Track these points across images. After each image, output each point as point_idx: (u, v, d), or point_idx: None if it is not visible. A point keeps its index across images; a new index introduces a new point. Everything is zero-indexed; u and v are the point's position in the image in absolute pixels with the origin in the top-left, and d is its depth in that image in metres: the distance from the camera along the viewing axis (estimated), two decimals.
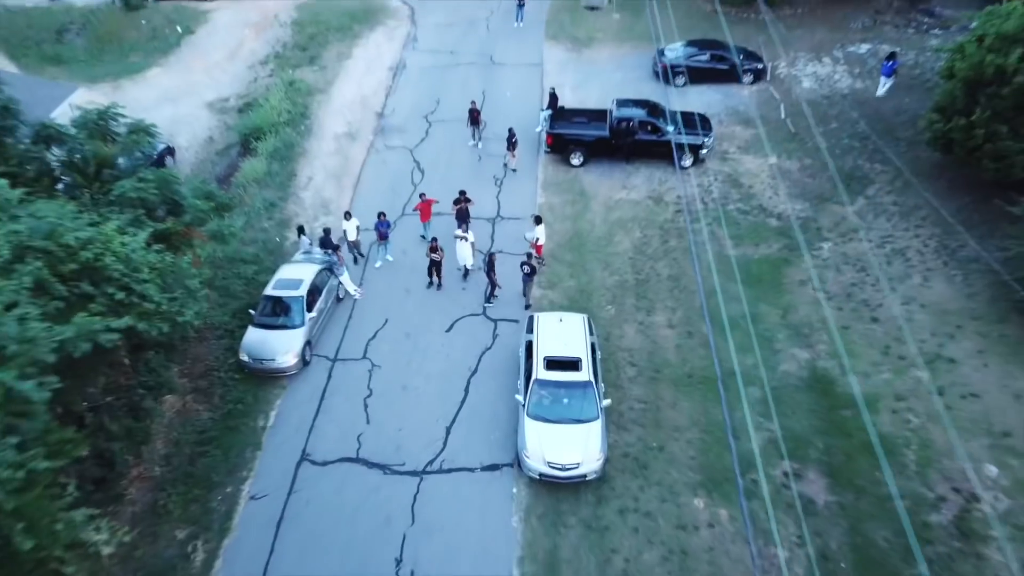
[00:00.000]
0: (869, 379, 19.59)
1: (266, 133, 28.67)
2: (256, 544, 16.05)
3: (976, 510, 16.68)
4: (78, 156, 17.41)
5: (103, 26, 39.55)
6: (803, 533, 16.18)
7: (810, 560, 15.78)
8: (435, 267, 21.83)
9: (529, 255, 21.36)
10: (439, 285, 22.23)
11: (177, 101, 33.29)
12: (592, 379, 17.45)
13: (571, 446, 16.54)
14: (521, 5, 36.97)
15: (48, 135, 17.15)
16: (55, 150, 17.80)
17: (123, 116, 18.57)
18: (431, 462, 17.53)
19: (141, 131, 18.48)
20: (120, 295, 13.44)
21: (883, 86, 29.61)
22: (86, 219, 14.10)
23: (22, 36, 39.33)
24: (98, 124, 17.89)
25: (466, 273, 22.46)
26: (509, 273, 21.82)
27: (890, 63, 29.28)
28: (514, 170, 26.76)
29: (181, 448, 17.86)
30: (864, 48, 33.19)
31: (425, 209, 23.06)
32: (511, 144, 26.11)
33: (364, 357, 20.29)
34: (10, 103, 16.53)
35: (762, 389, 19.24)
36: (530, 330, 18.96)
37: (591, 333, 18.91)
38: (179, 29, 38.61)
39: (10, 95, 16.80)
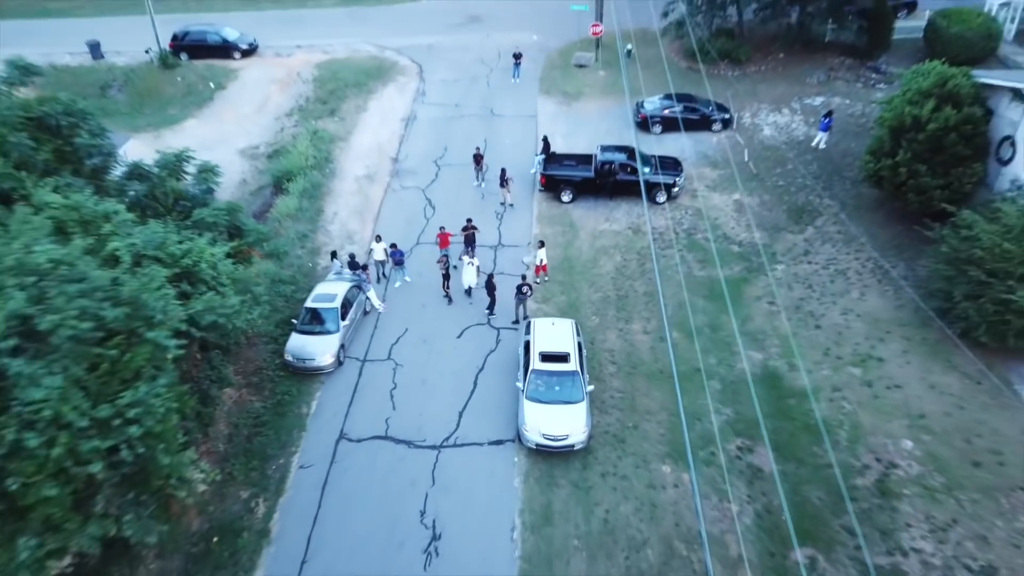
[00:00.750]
0: (812, 374, 23.49)
1: (295, 175, 32.89)
2: (306, 502, 19.73)
3: (894, 475, 20.43)
4: (160, 190, 21.51)
5: (143, 82, 44.08)
6: (752, 493, 19.95)
7: (756, 513, 19.54)
8: (445, 279, 25.93)
9: (524, 277, 25.45)
10: (449, 300, 26.21)
11: (212, 148, 37.53)
12: (578, 370, 21.37)
13: (561, 422, 20.39)
14: (517, 64, 41.72)
15: (139, 173, 21.29)
16: (137, 184, 21.90)
17: (193, 158, 22.78)
18: (447, 439, 21.31)
19: (208, 171, 22.69)
20: (210, 294, 17.40)
21: (820, 140, 34.01)
22: (181, 236, 18.14)
23: (71, 91, 43.79)
24: (175, 165, 22.05)
25: (469, 292, 26.46)
26: (506, 292, 25.84)
27: (826, 119, 33.76)
28: (511, 204, 30.96)
29: (239, 430, 21.60)
30: (818, 100, 37.84)
31: (444, 239, 27.18)
32: (503, 182, 30.39)
33: (389, 358, 24.18)
34: (113, 149, 20.72)
35: (722, 382, 23.20)
36: (528, 332, 22.92)
37: (578, 335, 22.88)
38: (212, 85, 43.17)
39: (112, 143, 20.99)
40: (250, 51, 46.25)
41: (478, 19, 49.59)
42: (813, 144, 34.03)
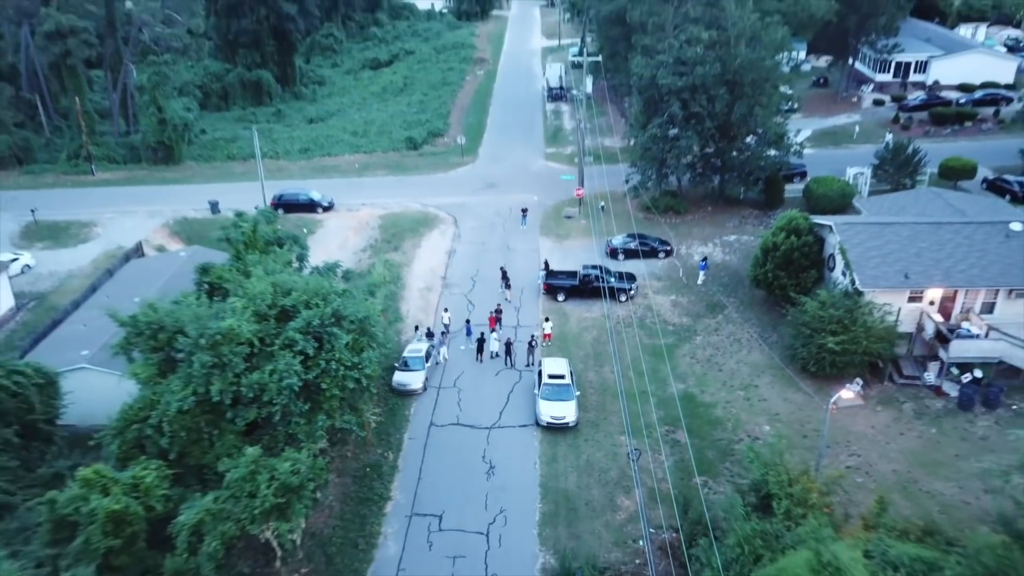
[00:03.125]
0: (714, 396, 38.77)
1: (378, 287, 48.99)
2: (415, 456, 34.45)
3: (757, 443, 35.24)
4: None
5: (217, 236, 61.12)
6: (673, 451, 34.72)
7: (675, 461, 34.26)
8: (479, 346, 41.54)
9: (532, 337, 41.26)
10: (480, 361, 41.65)
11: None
12: (570, 383, 36.75)
13: (561, 410, 35.53)
14: (524, 215, 59.10)
15: (328, 268, 37.34)
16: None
17: (340, 267, 38.95)
18: (493, 424, 36.27)
19: (347, 273, 38.86)
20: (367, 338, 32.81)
21: (701, 276, 49.84)
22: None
23: (197, 235, 60.81)
24: (327, 272, 38.05)
25: (494, 355, 41.94)
26: (522, 349, 41.45)
27: (704, 263, 50.03)
28: (508, 300, 47.00)
29: (363, 442, 36.46)
30: (732, 238, 54.96)
31: (492, 321, 43.10)
32: (506, 283, 46.88)
33: (454, 386, 39.45)
34: (306, 255, 36.97)
35: (658, 399, 38.34)
36: (540, 366, 38.41)
37: (569, 367, 38.37)
38: (304, 231, 60.11)
39: (306, 250, 37.32)
40: (329, 207, 63.79)
41: (495, 185, 67.85)
42: (699, 282, 49.70)
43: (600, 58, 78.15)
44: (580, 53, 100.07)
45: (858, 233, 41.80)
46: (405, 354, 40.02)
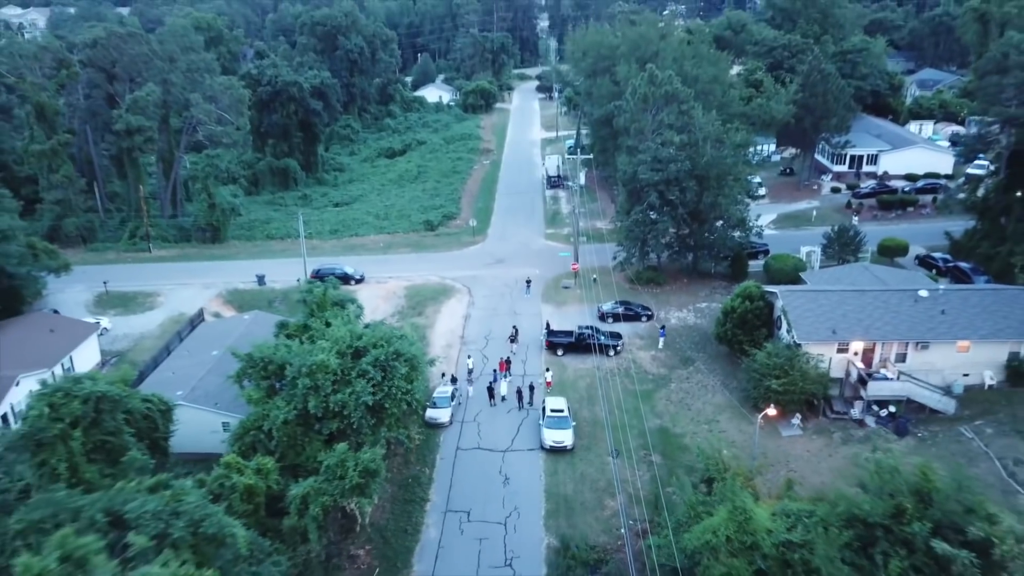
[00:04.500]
0: (683, 429, 48.39)
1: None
2: (446, 471, 43.89)
3: (715, 464, 44.61)
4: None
5: (294, 298, 71.28)
6: (648, 468, 44.14)
7: (650, 475, 43.67)
8: (490, 391, 51.25)
9: (532, 383, 51.11)
10: (493, 402, 51.27)
11: None
12: (568, 415, 46.47)
13: (560, 436, 45.17)
14: (528, 286, 69.59)
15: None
16: None
17: (385, 323, 48.97)
18: (507, 448, 45.80)
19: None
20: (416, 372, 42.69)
21: (661, 341, 59.85)
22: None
23: (248, 303, 71.09)
24: (376, 327, 48.12)
25: (503, 398, 51.64)
26: (525, 394, 51.24)
27: (662, 330, 60.19)
28: (514, 353, 56.90)
29: (411, 448, 45.90)
30: (703, 305, 65.30)
31: (503, 365, 53.03)
32: (514, 338, 56.95)
33: (474, 420, 49.08)
34: (360, 313, 47.10)
35: (638, 431, 47.88)
36: (544, 404, 48.17)
37: (567, 404, 48.12)
38: None
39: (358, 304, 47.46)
40: (360, 280, 74.25)
41: (502, 261, 78.64)
42: (659, 346, 59.68)
43: (591, 155, 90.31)
44: (576, 146, 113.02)
45: (798, 298, 52.27)
46: (435, 395, 49.78)
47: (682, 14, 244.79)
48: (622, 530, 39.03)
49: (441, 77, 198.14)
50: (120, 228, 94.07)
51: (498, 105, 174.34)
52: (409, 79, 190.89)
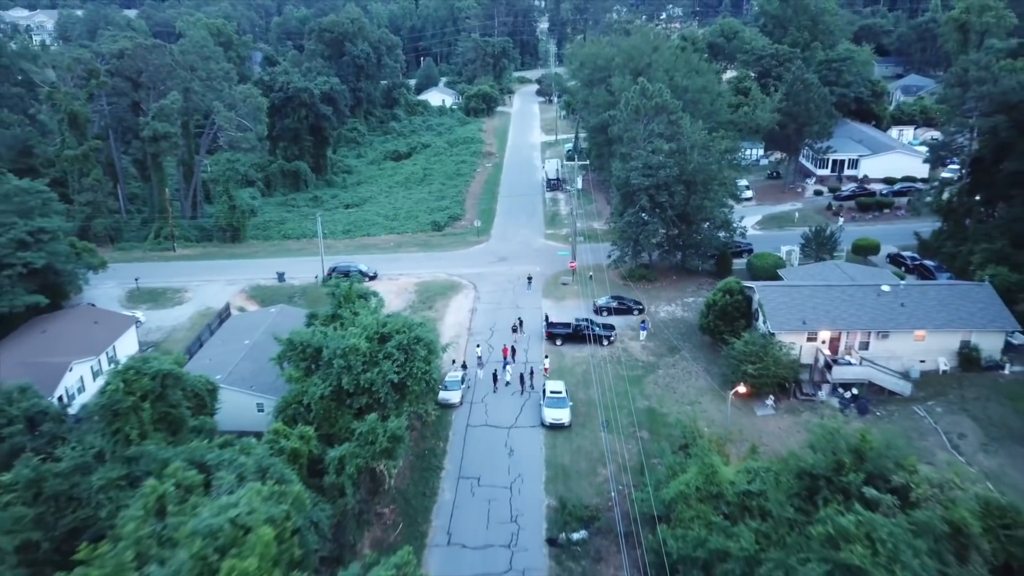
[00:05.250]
0: (669, 409, 54.18)
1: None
2: (458, 444, 49.69)
3: (699, 439, 50.42)
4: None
5: (313, 293, 77.11)
6: (636, 442, 49.95)
7: (638, 447, 49.48)
8: (494, 377, 57.00)
9: (532, 368, 56.89)
10: (495, 389, 57.00)
11: None
12: (565, 396, 52.30)
13: (558, 414, 51.00)
14: (530, 282, 75.31)
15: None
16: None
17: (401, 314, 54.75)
18: (512, 425, 51.60)
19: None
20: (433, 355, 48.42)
21: (642, 335, 65.66)
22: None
23: (269, 298, 76.81)
24: (394, 317, 53.88)
25: (507, 383, 57.40)
26: (525, 379, 57.05)
27: (644, 324, 66.05)
28: (517, 342, 62.64)
29: (427, 423, 51.63)
30: (691, 299, 71.05)
31: (505, 352, 58.82)
32: (516, 328, 62.69)
33: (482, 401, 54.88)
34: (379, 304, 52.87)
35: (627, 411, 53.68)
36: (544, 386, 53.97)
37: (565, 387, 53.92)
38: None
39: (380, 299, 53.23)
40: (374, 277, 79.85)
41: (505, 259, 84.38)
42: (641, 339, 65.57)
43: (588, 161, 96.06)
44: (574, 150, 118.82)
45: (772, 293, 58.08)
46: (447, 379, 55.51)
47: (679, 17, 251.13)
48: (612, 493, 44.79)
49: (444, 80, 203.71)
50: (141, 228, 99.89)
51: (499, 109, 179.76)
52: (412, 82, 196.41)
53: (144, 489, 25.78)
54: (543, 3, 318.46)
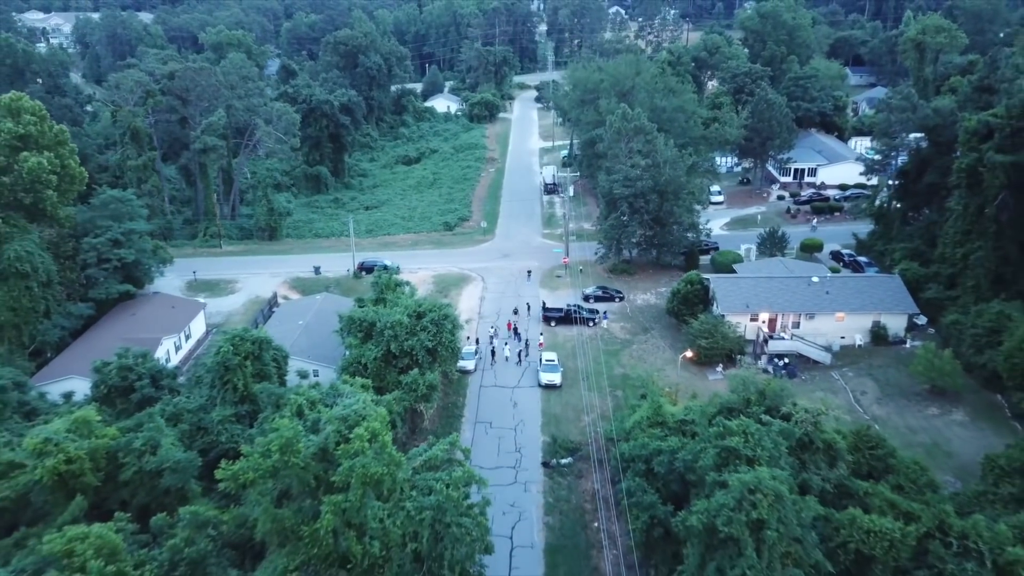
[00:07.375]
0: (639, 374, 68.48)
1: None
2: (473, 399, 64.08)
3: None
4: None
5: (346, 284, 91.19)
6: (612, 399, 64.28)
7: (612, 403, 63.85)
8: (492, 352, 71.24)
9: (527, 342, 71.20)
10: (494, 361, 71.21)
11: None
12: (557, 363, 66.68)
13: (552, 377, 65.44)
14: (529, 275, 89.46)
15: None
16: None
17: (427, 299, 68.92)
18: (515, 386, 65.96)
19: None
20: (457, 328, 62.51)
21: (604, 324, 79.99)
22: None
23: (309, 288, 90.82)
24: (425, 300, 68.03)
25: (506, 358, 71.61)
26: (522, 354, 71.33)
27: (605, 314, 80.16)
28: (517, 323, 76.91)
29: (451, 383, 65.83)
30: (664, 289, 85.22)
31: (510, 326, 73.16)
32: (519, 311, 77.02)
33: (491, 368, 69.17)
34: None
35: (607, 376, 67.96)
36: (540, 355, 68.28)
37: (557, 356, 68.25)
38: None
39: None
40: (397, 271, 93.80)
41: (508, 255, 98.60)
42: (603, 325, 79.79)
43: (579, 172, 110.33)
44: (569, 156, 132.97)
45: (723, 283, 72.43)
46: (464, 351, 69.72)
47: (670, 24, 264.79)
48: (591, 434, 59.10)
49: (448, 85, 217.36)
50: (183, 228, 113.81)
51: (500, 115, 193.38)
52: (418, 87, 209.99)
53: (288, 398, 39.94)
54: (541, 6, 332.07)
